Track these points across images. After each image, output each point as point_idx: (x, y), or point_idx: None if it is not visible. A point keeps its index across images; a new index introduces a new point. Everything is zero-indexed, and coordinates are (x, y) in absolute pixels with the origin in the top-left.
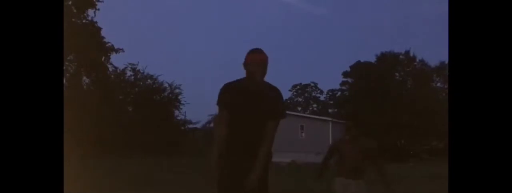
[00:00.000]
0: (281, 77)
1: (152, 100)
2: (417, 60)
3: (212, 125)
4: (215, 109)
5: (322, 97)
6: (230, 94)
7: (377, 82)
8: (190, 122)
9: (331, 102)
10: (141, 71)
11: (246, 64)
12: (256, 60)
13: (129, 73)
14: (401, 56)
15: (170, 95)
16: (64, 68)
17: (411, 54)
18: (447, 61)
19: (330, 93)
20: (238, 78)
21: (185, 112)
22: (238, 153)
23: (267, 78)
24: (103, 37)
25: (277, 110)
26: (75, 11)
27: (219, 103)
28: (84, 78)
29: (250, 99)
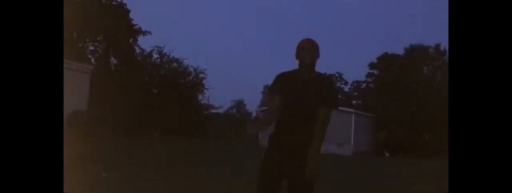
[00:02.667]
0: None
1: (177, 83)
2: (448, 54)
3: (234, 110)
4: (238, 95)
5: (346, 88)
6: (282, 82)
7: (404, 76)
8: (213, 107)
9: (355, 93)
10: (167, 54)
11: (297, 52)
12: (306, 45)
13: (155, 55)
14: (430, 50)
15: (195, 79)
16: (93, 48)
17: (442, 48)
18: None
19: (355, 85)
20: (260, 68)
21: (208, 96)
22: (287, 140)
23: (291, 67)
24: (131, 19)
25: (328, 98)
26: None
27: (271, 90)
28: (112, 58)
29: (302, 87)
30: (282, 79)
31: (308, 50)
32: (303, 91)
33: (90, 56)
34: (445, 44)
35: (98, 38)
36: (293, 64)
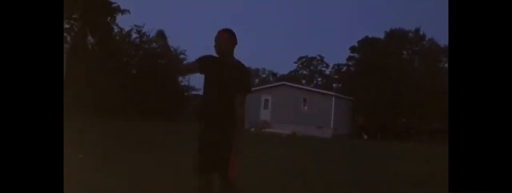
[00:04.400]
0: (287, 48)
1: (157, 64)
2: (426, 39)
3: None
4: None
5: (327, 71)
6: (206, 61)
7: (383, 59)
8: (194, 88)
9: (336, 76)
10: (147, 34)
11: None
12: (215, 38)
13: (134, 35)
14: (410, 34)
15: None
16: (69, 26)
17: (421, 33)
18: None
19: (336, 68)
20: (241, 49)
21: (188, 78)
22: (209, 121)
23: (273, 49)
24: None
25: (243, 85)
26: None
27: (197, 60)
28: (89, 37)
29: (219, 71)
30: (205, 60)
31: (216, 43)
32: (220, 74)
33: (65, 34)
34: (424, 29)
35: (74, 16)
36: (277, 43)
